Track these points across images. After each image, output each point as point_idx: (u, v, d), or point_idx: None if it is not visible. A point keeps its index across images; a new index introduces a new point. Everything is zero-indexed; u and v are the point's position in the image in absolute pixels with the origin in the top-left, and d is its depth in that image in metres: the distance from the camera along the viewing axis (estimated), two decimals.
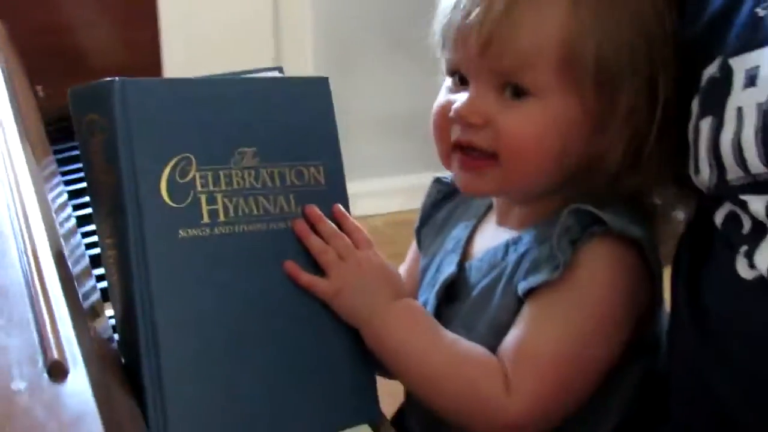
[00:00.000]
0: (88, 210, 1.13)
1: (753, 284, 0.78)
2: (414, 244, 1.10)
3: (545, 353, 0.86)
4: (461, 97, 0.91)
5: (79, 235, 1.09)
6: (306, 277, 0.88)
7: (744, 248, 0.79)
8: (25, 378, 0.67)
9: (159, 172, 0.84)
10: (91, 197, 0.88)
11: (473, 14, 0.88)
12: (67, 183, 1.27)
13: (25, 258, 0.81)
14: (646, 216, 0.92)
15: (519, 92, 0.89)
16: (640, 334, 0.91)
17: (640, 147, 0.90)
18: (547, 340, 0.86)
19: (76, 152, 1.35)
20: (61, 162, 1.35)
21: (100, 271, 0.91)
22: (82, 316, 0.78)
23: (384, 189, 2.89)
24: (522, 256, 0.91)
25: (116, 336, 0.88)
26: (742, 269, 0.79)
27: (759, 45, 0.78)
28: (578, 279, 0.87)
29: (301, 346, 0.88)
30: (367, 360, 0.91)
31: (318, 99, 0.93)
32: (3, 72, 1.26)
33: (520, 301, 0.89)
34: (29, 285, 0.77)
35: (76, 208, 1.17)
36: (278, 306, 0.87)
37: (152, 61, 1.70)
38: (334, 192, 0.93)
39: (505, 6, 0.87)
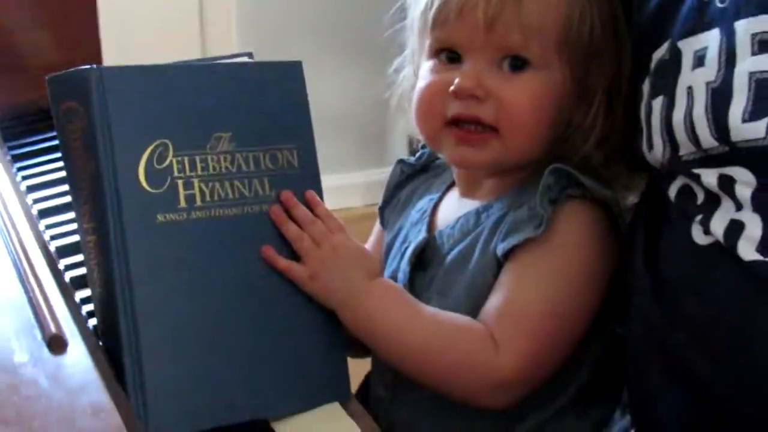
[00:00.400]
0: (67, 198, 1.16)
1: (708, 249, 0.83)
2: (377, 224, 1.13)
3: (532, 310, 0.90)
4: (458, 74, 0.94)
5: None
6: (283, 262, 0.91)
7: (699, 217, 0.84)
8: (26, 351, 0.69)
9: (137, 158, 0.86)
10: (69, 183, 0.90)
11: None
12: (44, 173, 1.28)
13: (10, 241, 0.83)
14: (607, 186, 0.96)
15: (518, 64, 0.93)
16: (612, 292, 0.95)
17: (613, 121, 0.96)
18: (532, 298, 0.90)
19: (53, 142, 1.38)
20: (39, 152, 1.36)
21: (78, 258, 0.94)
22: (69, 292, 0.81)
23: (340, 185, 2.92)
24: (499, 221, 0.95)
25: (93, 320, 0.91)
26: (698, 236, 0.84)
27: (706, 28, 0.83)
28: (558, 236, 0.91)
29: (275, 328, 0.90)
30: (339, 341, 0.93)
31: (291, 83, 0.95)
32: None
33: (498, 264, 0.92)
34: (17, 265, 0.80)
35: (52, 197, 1.18)
36: (253, 288, 0.90)
37: (92, 59, 1.70)
38: (308, 175, 0.94)
39: None
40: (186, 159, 0.88)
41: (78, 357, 0.70)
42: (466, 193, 1.02)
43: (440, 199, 1.05)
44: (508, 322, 0.90)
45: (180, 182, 0.87)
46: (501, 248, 0.92)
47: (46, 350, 0.69)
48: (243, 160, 0.91)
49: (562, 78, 0.94)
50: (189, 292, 0.87)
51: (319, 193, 0.95)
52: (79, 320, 0.75)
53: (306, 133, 0.95)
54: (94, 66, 0.86)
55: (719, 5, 0.82)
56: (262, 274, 0.90)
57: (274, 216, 0.92)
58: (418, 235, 1.01)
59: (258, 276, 0.90)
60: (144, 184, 0.86)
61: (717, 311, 0.82)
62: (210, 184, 0.89)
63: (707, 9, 0.83)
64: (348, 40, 2.97)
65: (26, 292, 0.76)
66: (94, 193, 0.86)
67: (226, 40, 2.81)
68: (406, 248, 1.02)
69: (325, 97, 3.01)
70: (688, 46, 0.84)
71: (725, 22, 0.81)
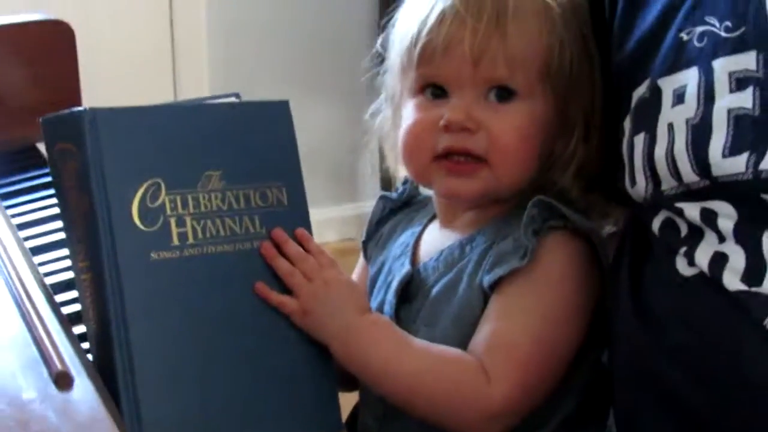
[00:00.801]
0: (54, 236, 1.17)
1: (693, 279, 0.86)
2: (361, 258, 1.15)
3: (520, 341, 0.92)
4: (445, 109, 0.97)
5: None
6: (276, 298, 0.93)
7: (683, 249, 0.86)
8: (33, 388, 0.71)
9: (130, 197, 0.87)
10: (64, 222, 0.92)
11: (463, 28, 0.95)
12: (29, 212, 1.29)
13: (10, 278, 0.84)
14: (585, 216, 0.99)
15: (505, 95, 0.96)
16: (595, 321, 0.97)
17: (589, 151, 0.99)
18: (520, 329, 0.92)
19: (36, 181, 1.39)
20: (23, 191, 1.37)
21: (69, 295, 0.95)
22: (70, 329, 0.82)
23: (315, 220, 2.93)
24: (483, 253, 0.97)
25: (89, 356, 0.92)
26: (683, 267, 0.86)
27: (684, 66, 0.86)
28: (542, 267, 0.93)
29: (268, 361, 0.92)
30: (331, 373, 0.95)
31: (279, 121, 0.97)
32: None
33: (484, 296, 0.95)
34: (18, 302, 0.81)
35: (39, 235, 1.19)
36: (246, 323, 0.91)
37: (71, 98, 1.71)
38: (297, 212, 0.96)
39: (495, 19, 0.95)
40: (178, 197, 0.89)
41: (84, 393, 0.71)
42: (447, 224, 1.04)
43: (422, 232, 1.07)
44: (498, 353, 0.92)
45: (173, 220, 0.89)
46: (487, 280, 0.94)
47: (53, 387, 0.71)
48: (233, 197, 0.92)
49: (546, 108, 0.98)
50: (183, 328, 0.88)
51: (309, 229, 0.97)
52: (83, 357, 0.76)
53: (294, 171, 0.97)
54: (88, 108, 0.87)
55: (697, 45, 0.85)
56: (254, 310, 0.92)
57: (266, 252, 0.93)
58: (402, 268, 1.04)
59: (250, 311, 0.92)
60: (137, 222, 0.87)
61: (702, 339, 0.84)
62: (202, 222, 0.90)
63: (685, 48, 0.86)
64: (320, 81, 3.00)
65: (29, 329, 0.77)
66: (88, 232, 0.88)
67: (198, 81, 2.83)
68: (391, 281, 1.04)
69: (298, 134, 3.04)
70: (667, 84, 0.87)
71: (703, 61, 0.84)
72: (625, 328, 0.92)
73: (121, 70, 2.63)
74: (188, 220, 0.90)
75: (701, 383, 0.85)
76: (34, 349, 0.75)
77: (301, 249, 0.95)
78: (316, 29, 2.94)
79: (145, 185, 0.88)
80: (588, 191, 1.01)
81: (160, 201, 0.89)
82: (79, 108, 0.89)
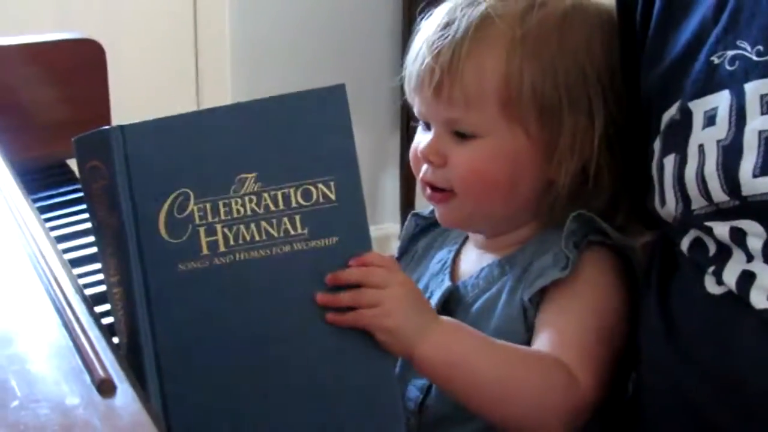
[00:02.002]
0: (84, 251, 1.19)
1: (721, 298, 0.87)
2: None
3: (586, 336, 0.93)
4: (425, 139, 1.01)
5: None
6: (347, 300, 0.87)
7: (711, 268, 0.88)
8: (77, 395, 0.72)
9: (157, 211, 0.87)
10: (96, 238, 0.92)
11: (425, 65, 0.99)
12: (60, 227, 1.31)
13: (51, 287, 0.86)
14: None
15: (461, 134, 0.99)
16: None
17: (587, 171, 0.99)
18: (581, 326, 0.94)
19: (77, 195, 1.41)
20: (53, 206, 1.40)
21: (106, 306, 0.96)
22: (110, 338, 0.83)
23: None
24: (524, 270, 0.99)
25: None
26: (711, 286, 0.88)
27: (716, 89, 0.88)
28: (584, 276, 0.95)
29: (306, 373, 0.88)
30: (390, 382, 0.90)
31: (331, 108, 0.90)
32: None
33: (524, 312, 0.96)
34: (61, 312, 0.82)
35: (80, 247, 1.21)
36: (280, 333, 0.88)
37: (101, 116, 1.74)
38: (348, 208, 0.89)
39: (449, 57, 0.97)
40: (208, 205, 0.87)
41: (126, 399, 0.72)
42: (482, 247, 1.06)
43: (459, 249, 1.09)
44: (570, 350, 0.92)
45: (202, 229, 0.87)
46: (528, 293, 0.96)
47: (95, 393, 0.72)
48: (271, 199, 0.88)
49: (513, 139, 0.98)
50: (214, 340, 0.87)
51: (364, 225, 0.90)
52: (124, 365, 0.78)
53: (348, 163, 0.89)
54: (116, 125, 0.88)
55: (728, 68, 0.87)
56: (290, 319, 0.88)
57: (322, 301, 0.88)
58: (442, 285, 1.05)
59: (285, 320, 0.88)
60: (164, 234, 0.87)
61: (730, 357, 0.86)
62: (234, 228, 0.87)
63: (717, 72, 0.88)
64: None
65: (72, 338, 0.79)
66: (117, 247, 0.88)
67: (222, 100, 2.86)
68: (429, 297, 1.05)
69: None
70: (698, 107, 0.89)
71: (735, 84, 0.86)
72: (652, 346, 0.93)
73: (146, 89, 2.66)
74: (219, 227, 0.87)
75: (728, 401, 0.86)
76: (76, 357, 0.77)
77: (362, 269, 0.88)
78: (339, 51, 2.96)
79: (171, 197, 0.87)
80: (621, 210, 1.02)
81: (188, 211, 0.87)
82: (109, 126, 0.89)
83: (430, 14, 1.02)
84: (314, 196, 0.88)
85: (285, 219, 0.88)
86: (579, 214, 0.97)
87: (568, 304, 0.95)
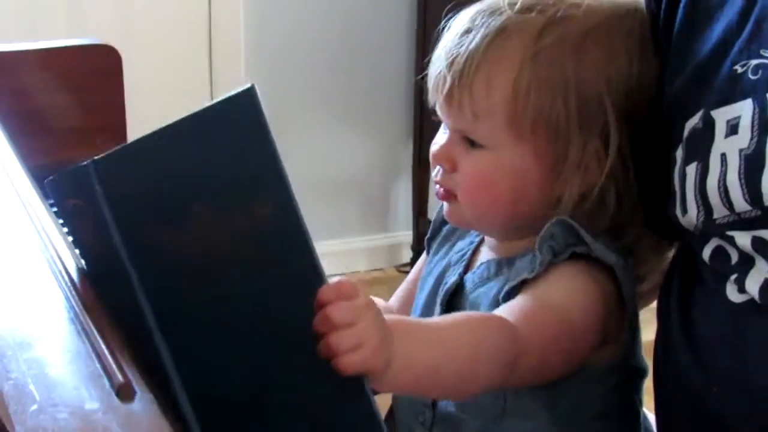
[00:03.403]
0: None
1: (743, 306, 0.87)
2: (423, 255, 1.17)
3: (536, 312, 0.91)
4: (440, 141, 1.02)
5: None
6: (345, 359, 0.75)
7: (734, 276, 0.87)
8: (96, 399, 0.72)
9: (146, 240, 0.84)
10: (88, 269, 0.90)
11: (440, 72, 0.99)
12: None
13: (70, 294, 0.86)
14: (622, 250, 0.99)
15: (471, 142, 0.99)
16: (610, 359, 0.97)
17: (599, 189, 0.97)
18: (533, 306, 0.92)
19: None
20: None
21: None
22: (127, 342, 0.83)
23: (344, 250, 2.96)
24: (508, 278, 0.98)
25: None
26: (733, 294, 0.87)
27: (739, 98, 0.87)
28: (554, 276, 0.93)
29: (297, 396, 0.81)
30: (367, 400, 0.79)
31: (245, 116, 0.76)
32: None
33: None
34: (79, 318, 0.82)
35: None
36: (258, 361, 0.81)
37: (117, 121, 1.74)
38: (287, 225, 0.77)
39: (461, 68, 0.97)
40: (180, 234, 0.83)
41: (145, 404, 0.72)
42: (493, 247, 1.06)
43: (479, 243, 1.09)
44: (515, 315, 0.90)
45: (182, 258, 0.84)
46: (502, 291, 0.95)
47: (115, 398, 0.72)
48: (220, 228, 0.80)
49: (520, 155, 0.97)
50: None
51: (305, 239, 0.76)
52: (142, 371, 0.78)
53: (274, 174, 0.76)
54: (89, 161, 0.83)
55: (752, 77, 0.87)
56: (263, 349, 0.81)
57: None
58: (452, 277, 1.06)
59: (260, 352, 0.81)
60: (159, 268, 0.84)
61: (750, 365, 0.85)
62: (204, 260, 0.83)
63: (740, 81, 0.88)
64: (354, 107, 3.02)
65: (90, 344, 0.79)
66: (118, 281, 0.85)
67: None
68: (445, 286, 1.06)
69: (331, 162, 3.07)
70: (721, 116, 0.88)
71: (758, 94, 0.86)
72: (673, 354, 0.93)
73: (161, 94, 2.66)
74: (194, 257, 0.83)
75: (748, 411, 0.85)
76: (95, 362, 0.77)
77: (325, 316, 0.75)
78: (352, 62, 2.97)
79: (154, 225, 0.84)
80: (633, 226, 1.01)
81: (167, 242, 0.84)
82: (81, 163, 0.84)
83: (456, 16, 1.01)
84: (253, 218, 0.79)
85: (235, 244, 0.80)
86: (561, 220, 0.95)
87: (530, 298, 0.93)
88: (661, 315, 0.96)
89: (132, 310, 0.85)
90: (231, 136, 0.78)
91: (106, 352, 0.77)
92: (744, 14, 0.90)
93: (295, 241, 0.76)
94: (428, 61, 1.03)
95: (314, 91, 2.96)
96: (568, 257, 0.94)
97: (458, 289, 1.04)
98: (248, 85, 0.75)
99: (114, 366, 0.75)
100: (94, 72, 1.73)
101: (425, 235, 1.17)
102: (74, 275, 0.89)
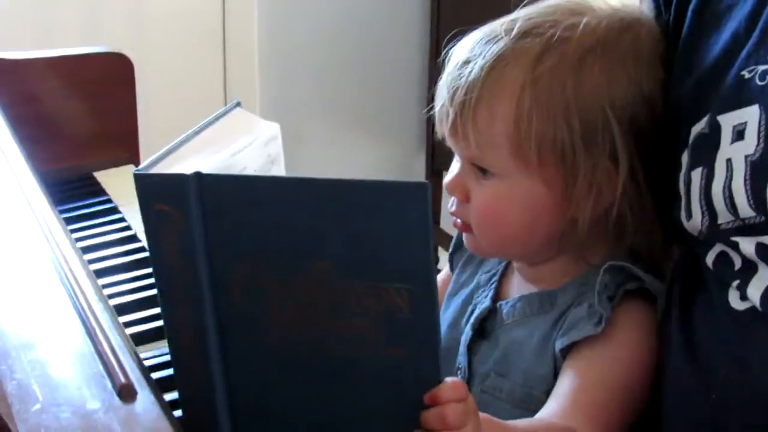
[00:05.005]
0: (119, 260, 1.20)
1: (745, 314, 0.86)
2: (445, 268, 1.17)
3: (602, 398, 0.92)
4: (454, 170, 1.01)
5: None
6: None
7: (736, 282, 0.87)
8: (98, 399, 0.72)
9: (232, 274, 0.81)
10: (157, 278, 0.85)
11: (442, 105, 0.99)
12: (95, 236, 1.34)
13: (74, 295, 0.86)
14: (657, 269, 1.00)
15: (483, 171, 0.98)
16: None
17: (611, 209, 0.97)
18: (601, 389, 0.92)
19: (102, 207, 1.42)
20: (80, 218, 1.43)
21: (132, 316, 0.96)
22: (132, 346, 0.84)
23: None
24: (560, 316, 0.98)
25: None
26: (734, 301, 0.87)
27: (746, 104, 0.87)
28: (618, 332, 0.94)
29: None
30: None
31: (411, 208, 0.77)
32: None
33: (554, 358, 0.95)
34: (84, 321, 0.83)
35: (105, 258, 1.23)
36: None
37: (129, 129, 1.75)
38: (422, 322, 0.78)
39: (462, 101, 0.96)
40: (280, 281, 0.80)
41: (146, 405, 0.73)
42: (522, 272, 1.06)
43: (507, 265, 1.08)
44: (582, 411, 0.91)
45: (273, 305, 0.81)
46: (560, 344, 0.95)
47: (116, 398, 0.72)
48: (342, 292, 0.79)
49: (530, 183, 0.96)
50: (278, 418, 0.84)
51: (437, 342, 0.79)
52: (144, 372, 0.78)
53: (424, 272, 0.77)
54: (192, 173, 0.81)
55: (759, 83, 0.86)
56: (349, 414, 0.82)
57: None
58: (484, 302, 1.05)
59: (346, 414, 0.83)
60: (238, 300, 0.81)
61: (752, 373, 0.85)
62: (305, 311, 0.80)
63: (747, 87, 0.87)
64: (367, 117, 3.03)
65: (93, 344, 0.79)
66: (186, 295, 0.82)
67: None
68: (473, 310, 1.06)
69: (343, 172, 3.07)
70: (727, 121, 0.88)
71: (765, 100, 0.85)
72: (674, 361, 0.92)
73: (173, 102, 2.67)
74: (290, 307, 0.80)
75: (749, 418, 0.85)
76: (98, 363, 0.77)
77: (437, 415, 0.78)
78: (364, 74, 2.97)
79: (245, 263, 0.81)
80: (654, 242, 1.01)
81: (261, 282, 0.80)
82: (182, 173, 0.82)
83: (456, 45, 1.00)
84: (385, 301, 0.79)
85: (356, 318, 0.80)
86: (611, 266, 0.96)
87: (595, 360, 0.93)
88: (662, 320, 0.95)
89: (195, 330, 0.82)
90: (386, 217, 0.77)
91: (109, 353, 0.78)
92: (752, 20, 0.89)
93: (426, 339, 0.78)
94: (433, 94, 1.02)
95: (327, 101, 2.96)
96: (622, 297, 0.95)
97: (489, 315, 1.04)
98: (423, 182, 0.76)
99: (116, 367, 0.76)
100: (107, 79, 1.74)
101: (438, 245, 1.17)
102: (80, 279, 0.89)
